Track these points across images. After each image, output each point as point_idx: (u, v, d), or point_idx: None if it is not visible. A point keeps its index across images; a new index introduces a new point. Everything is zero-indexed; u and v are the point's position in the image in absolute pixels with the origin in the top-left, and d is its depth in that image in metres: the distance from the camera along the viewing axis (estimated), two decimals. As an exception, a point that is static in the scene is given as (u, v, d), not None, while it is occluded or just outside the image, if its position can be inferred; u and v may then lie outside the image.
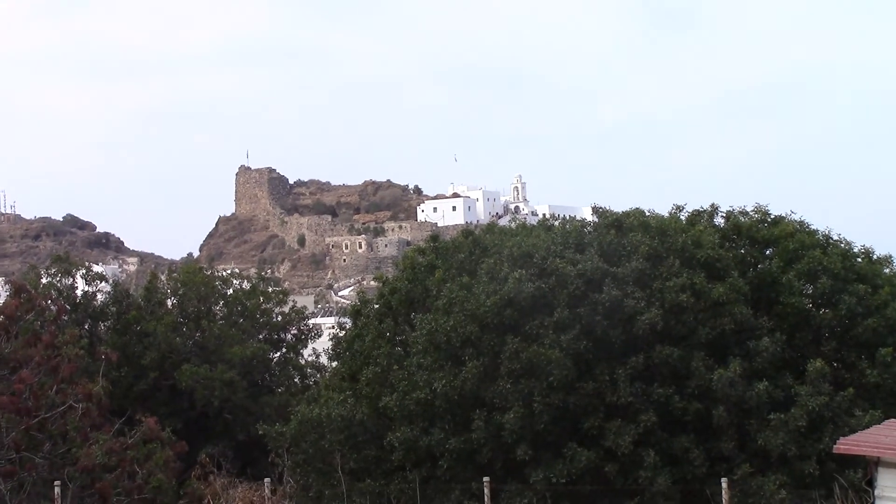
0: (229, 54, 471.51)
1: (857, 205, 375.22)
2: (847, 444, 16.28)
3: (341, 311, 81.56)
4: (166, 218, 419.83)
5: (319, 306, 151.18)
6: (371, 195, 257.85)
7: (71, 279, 43.70)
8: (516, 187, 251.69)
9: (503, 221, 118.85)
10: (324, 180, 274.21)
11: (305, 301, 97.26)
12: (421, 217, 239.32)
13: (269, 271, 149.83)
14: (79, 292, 43.78)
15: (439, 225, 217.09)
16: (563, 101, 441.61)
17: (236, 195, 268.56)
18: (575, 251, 26.61)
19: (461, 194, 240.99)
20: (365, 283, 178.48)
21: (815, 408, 24.16)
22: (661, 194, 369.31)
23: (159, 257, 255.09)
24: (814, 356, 25.70)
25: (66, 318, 39.39)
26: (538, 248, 26.55)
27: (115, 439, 24.03)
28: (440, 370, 25.94)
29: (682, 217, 29.38)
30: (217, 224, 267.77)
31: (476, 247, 29.93)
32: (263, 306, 47.33)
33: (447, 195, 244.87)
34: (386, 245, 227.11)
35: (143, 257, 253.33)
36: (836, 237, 29.26)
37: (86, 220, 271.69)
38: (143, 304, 44.72)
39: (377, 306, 32.08)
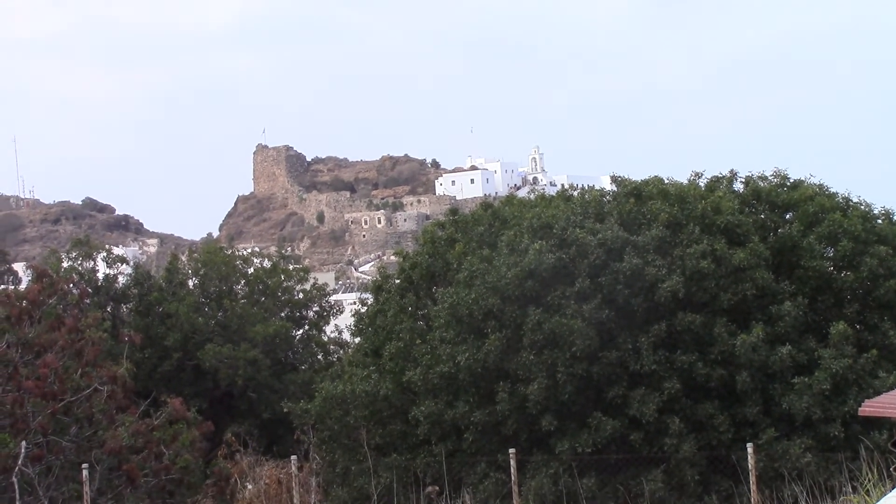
0: (242, 33, 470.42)
1: (877, 165, 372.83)
2: (872, 406, 16.23)
3: (362, 287, 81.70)
4: (185, 198, 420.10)
5: (340, 283, 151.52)
6: (389, 170, 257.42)
7: (92, 262, 43.88)
8: (534, 158, 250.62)
9: (522, 193, 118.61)
10: (341, 156, 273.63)
11: (326, 278, 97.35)
12: (439, 191, 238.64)
13: (289, 249, 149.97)
14: (100, 275, 43.93)
15: (458, 198, 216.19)
16: (580, 71, 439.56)
17: (254, 174, 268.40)
18: (595, 221, 26.57)
19: (479, 167, 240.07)
20: (385, 258, 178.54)
21: (838, 370, 24.13)
22: (679, 161, 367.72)
23: (179, 238, 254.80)
24: (836, 319, 25.68)
25: (88, 301, 39.51)
26: (558, 219, 26.51)
27: (140, 421, 24.09)
28: (463, 343, 25.96)
29: (700, 184, 29.23)
30: (236, 203, 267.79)
31: (495, 219, 29.91)
32: (285, 284, 47.41)
33: (465, 168, 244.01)
34: (405, 220, 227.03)
35: (163, 238, 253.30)
36: (855, 199, 29.07)
37: (105, 202, 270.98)
38: (164, 285, 44.84)
39: (398, 281, 32.10)
